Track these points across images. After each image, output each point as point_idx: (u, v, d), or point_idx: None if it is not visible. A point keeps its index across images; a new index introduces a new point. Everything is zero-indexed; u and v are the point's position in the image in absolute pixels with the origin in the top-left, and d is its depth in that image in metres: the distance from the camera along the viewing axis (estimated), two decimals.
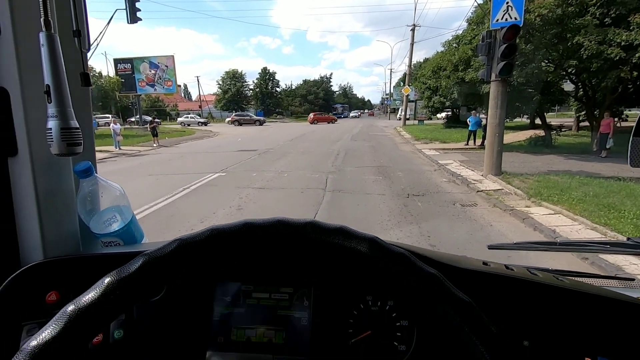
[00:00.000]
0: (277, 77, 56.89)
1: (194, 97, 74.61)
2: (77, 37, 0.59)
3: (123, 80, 27.38)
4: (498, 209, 5.57)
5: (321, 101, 58.66)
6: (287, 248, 0.39)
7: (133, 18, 9.81)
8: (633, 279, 0.96)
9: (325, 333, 0.58)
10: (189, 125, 34.68)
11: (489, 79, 7.63)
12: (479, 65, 11.16)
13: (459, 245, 3.99)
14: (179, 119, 38.82)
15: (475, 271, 0.51)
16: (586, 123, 14.79)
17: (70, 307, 0.30)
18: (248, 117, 35.80)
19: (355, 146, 15.07)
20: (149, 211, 5.42)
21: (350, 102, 78.80)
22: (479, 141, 13.45)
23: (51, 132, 0.50)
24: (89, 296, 0.31)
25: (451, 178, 8.10)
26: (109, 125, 16.22)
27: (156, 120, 18.17)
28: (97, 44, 15.45)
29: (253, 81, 55.63)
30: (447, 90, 17.49)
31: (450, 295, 0.33)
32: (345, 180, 7.76)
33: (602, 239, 3.90)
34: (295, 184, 7.39)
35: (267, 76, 54.84)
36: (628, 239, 1.01)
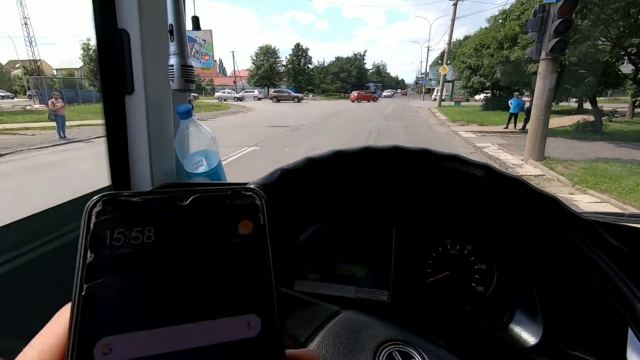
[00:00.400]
0: (309, 53, 56.15)
1: (228, 73, 75.36)
2: None
3: None
4: None
5: (353, 79, 57.45)
6: (400, 173, 0.42)
7: None
8: None
9: (405, 271, 0.62)
10: (225, 100, 35.67)
11: (538, 57, 7.15)
12: (527, 42, 10.45)
13: None
14: (216, 94, 39.90)
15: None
16: None
17: None
18: (287, 94, 36.22)
19: (387, 126, 14.79)
20: None
21: (383, 81, 76.71)
22: (520, 125, 12.78)
23: (173, 69, 0.55)
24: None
25: (489, 161, 7.78)
26: None
27: (193, 94, 18.63)
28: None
29: (286, 57, 55.28)
30: (488, 69, 16.58)
31: (571, 215, 0.35)
32: None
33: None
34: None
35: (300, 52, 54.18)
36: None
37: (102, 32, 0.58)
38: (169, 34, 0.53)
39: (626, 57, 10.58)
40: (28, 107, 18.83)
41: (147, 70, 0.61)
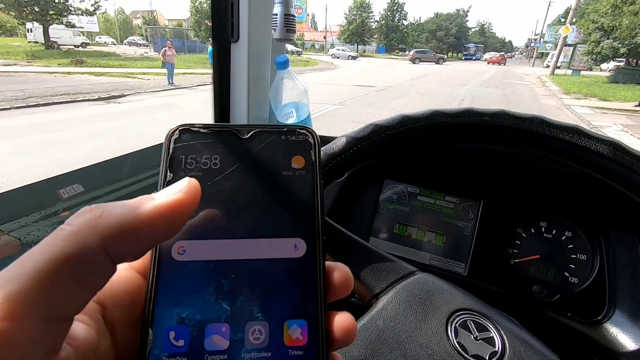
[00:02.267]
0: (406, 8, 52.07)
1: (320, 27, 74.52)
2: None
3: None
4: None
5: (452, 39, 52.21)
6: (508, 140, 0.38)
7: None
8: None
9: (487, 247, 0.59)
10: (338, 57, 35.39)
11: None
12: None
13: None
14: (330, 51, 39.81)
15: None
16: None
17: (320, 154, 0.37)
18: (431, 55, 35.18)
19: (484, 93, 13.38)
20: None
21: (486, 42, 68.23)
22: None
23: (276, 17, 0.56)
24: (334, 146, 0.37)
25: None
26: None
27: (297, 50, 18.88)
28: None
29: (380, 12, 52.17)
30: (628, 31, 13.53)
31: None
32: None
33: None
34: None
35: (395, 7, 50.57)
36: None
37: None
38: None
39: None
40: (145, 54, 21.35)
41: (252, 19, 0.63)
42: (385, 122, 0.39)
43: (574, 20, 24.97)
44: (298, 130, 0.22)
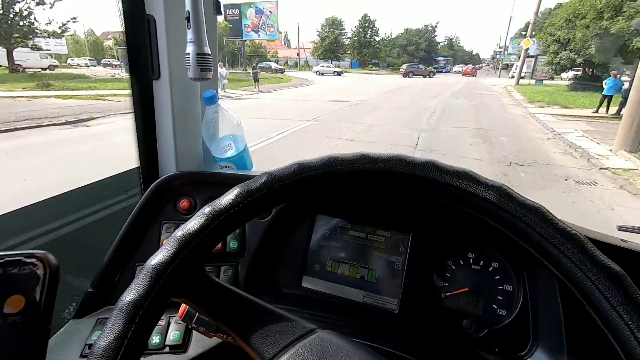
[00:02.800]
0: (377, 24, 53.77)
1: (293, 45, 75.66)
2: None
3: (231, 26, 28.94)
4: (625, 191, 4.68)
5: (422, 53, 54.12)
6: (402, 185, 0.37)
7: None
8: None
9: (418, 281, 0.58)
10: (323, 74, 35.77)
11: None
12: (635, 12, 8.82)
13: None
14: (315, 68, 40.43)
15: (614, 246, 0.43)
16: None
17: (207, 209, 0.34)
18: (422, 69, 37.00)
19: (454, 104, 13.84)
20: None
21: (455, 55, 71.17)
22: (613, 109, 11.12)
23: (189, 57, 0.55)
24: (223, 201, 0.35)
25: (568, 150, 6.98)
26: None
27: (280, 67, 19.00)
28: None
29: (352, 29, 53.63)
30: (582, 43, 14.43)
31: (596, 262, 0.28)
32: (439, 140, 7.29)
33: None
34: (385, 139, 7.21)
35: (366, 24, 52.14)
36: None
37: (131, 17, 0.59)
38: (185, 21, 0.52)
39: None
40: (117, 75, 20.95)
41: (172, 56, 0.62)
42: (279, 171, 0.37)
43: (533, 33, 26.48)
44: (24, 259, 0.17)
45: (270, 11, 29.36)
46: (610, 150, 6.71)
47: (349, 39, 53.53)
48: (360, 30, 52.18)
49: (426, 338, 0.55)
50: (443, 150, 6.37)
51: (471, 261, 0.57)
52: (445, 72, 50.91)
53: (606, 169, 5.60)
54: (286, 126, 8.10)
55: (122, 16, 0.58)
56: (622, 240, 0.48)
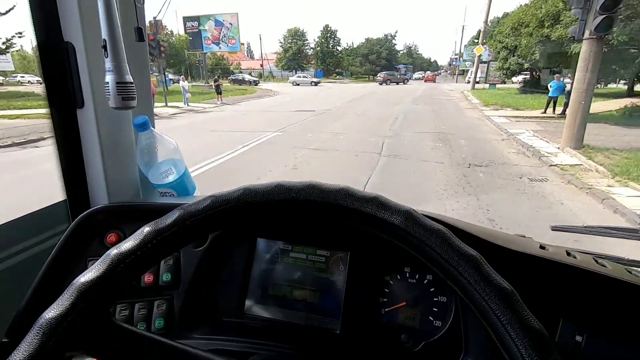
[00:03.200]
0: (338, 35, 54.92)
1: (256, 56, 75.52)
2: None
3: (191, 39, 28.47)
4: (573, 186, 5.02)
5: (383, 61, 55.79)
6: (318, 213, 0.38)
7: None
8: None
9: (359, 299, 0.58)
10: (299, 84, 36.25)
11: (582, 37, 6.58)
12: (570, 20, 9.62)
13: (521, 222, 3.72)
14: (290, 78, 40.87)
15: (529, 255, 0.46)
16: None
17: (113, 251, 0.33)
18: (397, 77, 38.25)
19: (416, 110, 14.34)
20: (210, 166, 5.79)
21: (414, 63, 74.03)
22: (559, 109, 11.96)
23: (108, 86, 0.53)
24: (129, 243, 0.34)
25: (521, 149, 7.42)
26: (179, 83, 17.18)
27: (254, 79, 18.80)
28: (169, 2, 15.99)
29: (314, 39, 54.42)
30: (527, 49, 15.49)
31: (488, 282, 0.30)
32: (402, 145, 7.50)
33: None
34: (351, 146, 7.33)
35: (328, 34, 53.13)
36: None
37: (47, 44, 0.56)
38: (102, 49, 0.50)
39: None
40: None
41: (95, 84, 0.59)
42: (192, 206, 0.36)
43: (484, 41, 28.11)
44: None
45: (230, 23, 29.24)
46: (558, 148, 7.19)
47: (312, 49, 54.23)
48: (323, 40, 53.05)
49: (367, 356, 0.55)
50: (406, 155, 6.56)
51: (408, 275, 0.58)
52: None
53: (555, 165, 5.99)
54: (251, 138, 8.03)
55: (37, 43, 0.55)
56: (541, 247, 0.51)
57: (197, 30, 29.09)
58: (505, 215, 3.88)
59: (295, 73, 53.60)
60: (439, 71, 77.82)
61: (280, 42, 52.83)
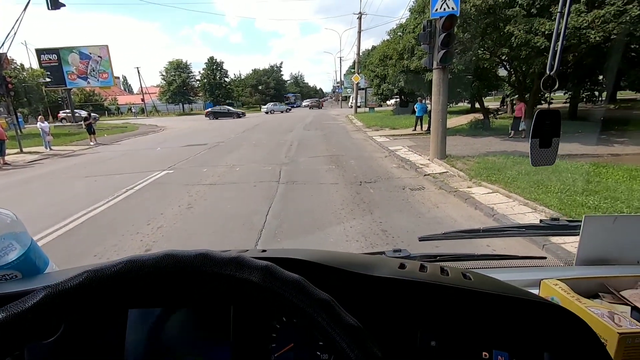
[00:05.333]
0: (225, 66, 54.84)
1: (135, 90, 69.77)
2: None
3: (49, 73, 24.76)
4: (443, 191, 5.90)
5: (272, 91, 57.65)
6: (178, 283, 0.37)
7: (54, 3, 8.83)
8: (545, 257, 1.06)
9: (247, 350, 0.57)
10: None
11: (432, 67, 7.96)
12: (422, 53, 11.57)
13: (408, 229, 4.18)
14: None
15: (387, 278, 0.52)
16: None
17: None
18: (226, 111, 35.88)
19: (308, 136, 15.08)
20: (84, 218, 5.01)
21: (302, 91, 78.33)
22: (425, 126, 14.07)
23: None
24: None
25: (400, 164, 8.42)
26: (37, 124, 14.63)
27: (94, 115, 16.69)
28: (15, 32, 13.75)
29: (199, 72, 53.11)
30: (393, 78, 17.99)
31: (338, 321, 0.33)
32: (299, 171, 7.76)
33: (522, 222, 4.28)
34: (248, 177, 7.25)
35: (214, 66, 52.55)
36: (541, 221, 1.11)
37: None
38: None
39: (501, 64, 12.36)
40: None
41: None
42: (63, 285, 0.31)
43: (359, 70, 31.63)
44: None
45: (99, 56, 26.50)
46: (428, 159, 8.40)
47: (198, 82, 52.75)
48: (209, 72, 52.18)
49: None
50: (303, 180, 6.79)
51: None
52: (296, 107, 55.61)
53: (428, 175, 6.96)
54: (136, 180, 7.27)
55: None
56: (400, 267, 0.57)
57: (56, 63, 25.51)
58: (395, 225, 4.31)
59: (183, 105, 51.26)
60: (325, 98, 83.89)
61: (162, 75, 50.03)
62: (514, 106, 19.98)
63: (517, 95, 14.10)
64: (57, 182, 7.80)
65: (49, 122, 15.78)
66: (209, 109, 37.20)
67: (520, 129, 11.44)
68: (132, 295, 0.34)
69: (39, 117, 13.98)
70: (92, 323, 0.54)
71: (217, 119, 33.59)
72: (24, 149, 13.37)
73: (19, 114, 22.76)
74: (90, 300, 0.34)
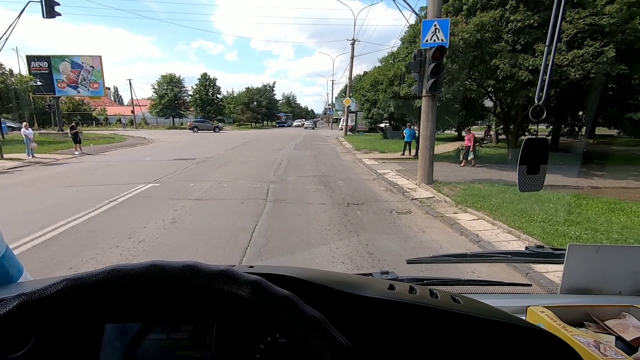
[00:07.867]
0: (219, 83, 55.32)
1: (125, 101, 69.42)
2: None
3: (38, 80, 24.46)
4: (430, 215, 5.94)
5: (264, 109, 58.09)
6: (166, 294, 0.35)
7: (50, 12, 8.84)
8: (530, 285, 1.06)
9: None
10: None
11: (421, 94, 8.19)
12: (412, 81, 11.93)
13: (394, 252, 4.17)
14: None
15: (376, 298, 0.51)
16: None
17: None
18: (208, 124, 40.73)
19: (297, 155, 15.13)
20: (63, 228, 4.84)
21: (293, 112, 79.22)
22: (413, 151, 14.32)
23: None
24: None
25: (388, 187, 8.49)
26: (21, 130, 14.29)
27: (75, 124, 16.40)
28: (7, 38, 13.64)
29: (192, 87, 53.34)
30: (384, 103, 18.41)
31: (329, 340, 0.32)
32: (287, 190, 7.73)
33: (506, 249, 4.32)
34: (235, 194, 7.18)
35: (207, 82, 52.91)
36: (526, 248, 1.12)
37: None
38: None
39: (487, 95, 12.83)
40: None
41: None
42: (39, 293, 0.29)
43: (350, 94, 32.30)
44: None
45: (92, 66, 26.44)
46: (416, 184, 8.50)
47: (190, 97, 52.85)
48: (202, 88, 52.43)
49: None
50: (291, 200, 6.76)
51: (278, 336, 0.57)
52: (287, 127, 56.17)
53: (416, 199, 7.03)
54: (120, 192, 7.11)
55: None
56: (390, 288, 0.57)
57: (47, 71, 25.29)
58: (381, 247, 4.30)
59: (174, 120, 51.11)
60: (316, 119, 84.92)
61: (154, 88, 50.02)
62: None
63: (501, 125, 14.57)
64: (36, 190, 7.56)
65: (33, 129, 15.47)
66: (192, 121, 41.91)
67: (469, 158, 11.94)
68: (112, 307, 0.33)
69: (24, 123, 13.71)
70: (64, 337, 0.51)
71: (199, 130, 37.89)
72: (5, 155, 13.00)
73: (3, 119, 22.27)
74: (67, 311, 0.32)
